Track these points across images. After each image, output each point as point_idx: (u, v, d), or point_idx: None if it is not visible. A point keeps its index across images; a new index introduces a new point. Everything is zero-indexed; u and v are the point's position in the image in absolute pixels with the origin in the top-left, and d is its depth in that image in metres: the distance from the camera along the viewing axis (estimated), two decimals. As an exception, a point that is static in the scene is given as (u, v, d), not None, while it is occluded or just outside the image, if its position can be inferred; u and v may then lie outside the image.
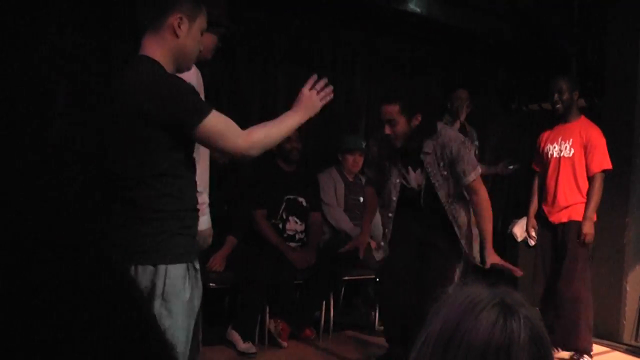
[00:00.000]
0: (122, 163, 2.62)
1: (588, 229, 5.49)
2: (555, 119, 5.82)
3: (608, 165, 5.56)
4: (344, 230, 6.10)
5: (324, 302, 5.68)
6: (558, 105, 5.66)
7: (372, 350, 5.54)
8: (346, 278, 5.95)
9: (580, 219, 5.54)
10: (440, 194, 4.58)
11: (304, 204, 5.90)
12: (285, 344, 5.34)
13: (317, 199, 6.05)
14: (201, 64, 3.29)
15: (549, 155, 5.77)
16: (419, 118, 4.39)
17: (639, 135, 6.22)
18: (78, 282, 0.61)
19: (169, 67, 2.67)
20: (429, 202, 4.66)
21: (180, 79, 2.66)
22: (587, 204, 5.53)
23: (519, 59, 7.85)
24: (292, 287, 5.51)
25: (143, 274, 2.56)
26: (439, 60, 7.45)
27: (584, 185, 5.60)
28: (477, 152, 6.92)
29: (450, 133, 4.60)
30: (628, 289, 6.19)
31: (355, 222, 6.21)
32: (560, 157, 5.68)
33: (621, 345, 6.10)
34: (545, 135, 5.87)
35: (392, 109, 4.36)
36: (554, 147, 5.73)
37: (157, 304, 2.58)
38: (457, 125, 6.62)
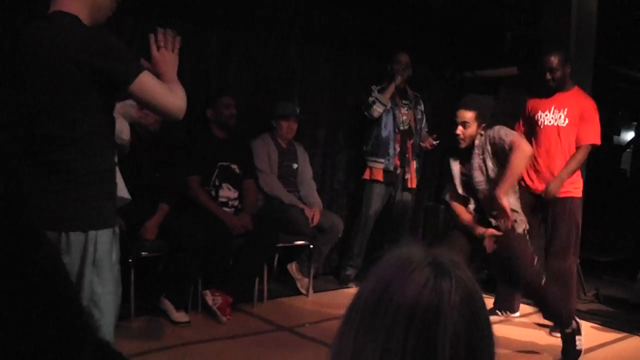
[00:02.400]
0: (49, 124, 2.53)
1: (555, 185, 5.44)
2: (546, 89, 5.63)
3: (597, 141, 5.50)
4: (277, 197, 6.08)
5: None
6: (551, 84, 5.52)
7: (308, 317, 5.56)
8: (280, 245, 5.93)
9: (572, 195, 5.53)
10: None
11: (237, 171, 5.84)
12: (225, 318, 5.21)
13: (251, 167, 6.00)
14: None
15: (540, 123, 5.62)
16: (484, 127, 4.94)
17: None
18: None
19: (88, 22, 2.59)
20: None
21: (112, 33, 2.59)
22: (565, 167, 5.46)
23: (455, 27, 7.89)
24: (227, 253, 5.46)
25: (74, 241, 2.51)
26: (374, 29, 7.42)
27: None
28: (421, 116, 6.96)
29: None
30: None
31: (289, 189, 6.19)
32: (552, 125, 5.54)
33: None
34: (534, 101, 5.72)
35: (470, 114, 4.90)
36: (546, 115, 5.59)
37: (89, 271, 2.54)
38: (392, 88, 6.62)
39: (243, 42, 6.41)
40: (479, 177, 4.93)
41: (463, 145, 4.98)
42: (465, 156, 5.05)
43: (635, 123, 9.88)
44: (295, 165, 6.37)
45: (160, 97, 2.60)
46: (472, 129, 4.90)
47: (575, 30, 6.34)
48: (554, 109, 5.55)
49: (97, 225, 2.55)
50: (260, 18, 6.53)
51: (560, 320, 5.02)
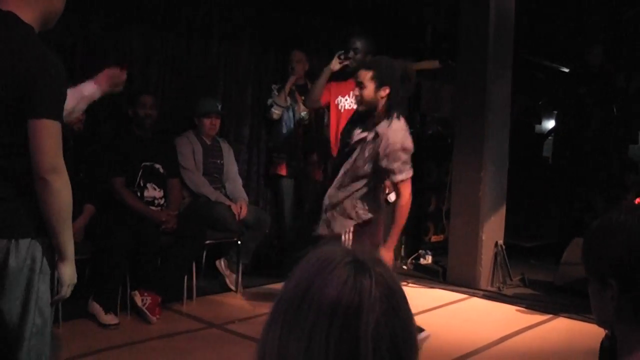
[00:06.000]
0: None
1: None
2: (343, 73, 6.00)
3: None
4: (203, 194, 6.04)
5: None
6: (350, 61, 5.89)
7: (237, 314, 5.55)
8: (208, 241, 5.89)
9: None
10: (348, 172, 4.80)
11: (161, 170, 5.80)
12: (154, 318, 5.17)
13: (175, 165, 5.96)
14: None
15: (340, 108, 6.08)
16: (387, 91, 4.61)
17: (491, 93, 6.45)
18: None
19: (37, 28, 2.49)
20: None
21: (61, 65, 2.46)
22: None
23: (376, 21, 7.94)
24: (154, 253, 5.41)
25: (23, 249, 2.43)
26: (295, 23, 7.41)
27: None
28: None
29: (398, 131, 4.65)
30: (484, 238, 6.45)
31: (214, 186, 6.16)
32: (352, 109, 5.67)
33: (478, 291, 6.39)
34: (334, 86, 6.11)
35: (365, 74, 4.63)
36: (345, 100, 6.05)
37: (38, 279, 2.46)
38: (287, 90, 6.76)
39: (165, 40, 6.35)
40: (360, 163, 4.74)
41: (361, 108, 4.76)
42: (362, 122, 4.83)
43: (556, 112, 10.09)
44: (220, 162, 6.34)
45: (47, 148, 2.38)
46: (369, 90, 4.64)
47: (493, 23, 6.47)
48: (352, 93, 5.60)
49: (42, 231, 2.47)
50: (181, 15, 6.46)
51: None
